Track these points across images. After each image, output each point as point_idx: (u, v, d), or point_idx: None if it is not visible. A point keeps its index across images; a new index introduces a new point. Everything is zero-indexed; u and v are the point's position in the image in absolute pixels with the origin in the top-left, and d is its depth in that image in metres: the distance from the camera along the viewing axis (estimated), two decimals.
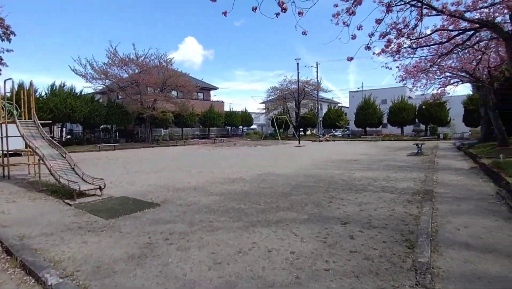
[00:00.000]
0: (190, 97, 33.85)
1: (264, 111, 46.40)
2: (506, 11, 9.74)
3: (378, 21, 7.31)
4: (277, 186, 7.23)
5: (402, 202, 5.52)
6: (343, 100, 61.49)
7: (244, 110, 44.41)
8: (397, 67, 13.90)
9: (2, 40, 14.51)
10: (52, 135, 25.87)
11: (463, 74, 16.37)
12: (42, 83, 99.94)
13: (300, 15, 5.45)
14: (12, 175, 9.54)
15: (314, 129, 44.27)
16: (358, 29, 6.60)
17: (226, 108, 43.14)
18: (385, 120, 36.71)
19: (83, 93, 26.70)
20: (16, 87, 10.33)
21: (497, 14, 9.91)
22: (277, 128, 36.29)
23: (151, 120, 28.72)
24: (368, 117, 36.30)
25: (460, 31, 10.75)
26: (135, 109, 27.53)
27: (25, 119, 9.39)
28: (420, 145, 15.03)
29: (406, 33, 9.03)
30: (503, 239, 3.67)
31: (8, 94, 12.24)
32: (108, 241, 3.83)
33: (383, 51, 9.58)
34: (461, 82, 17.87)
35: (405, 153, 15.95)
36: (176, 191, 6.99)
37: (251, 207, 5.35)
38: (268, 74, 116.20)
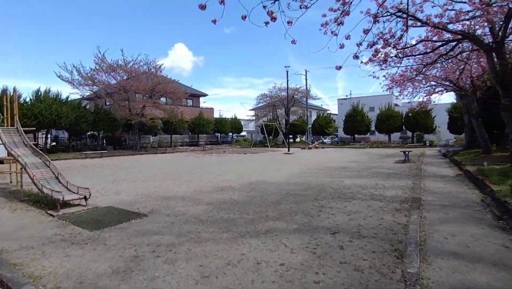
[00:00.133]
0: (180, 104, 33.65)
1: (253, 118, 46.51)
2: (486, 24, 10.10)
3: (366, 31, 7.44)
4: (267, 195, 7.19)
5: (391, 210, 5.55)
6: (332, 108, 62.36)
7: (233, 117, 44.37)
8: (384, 76, 14.18)
9: None
10: (36, 142, 25.21)
11: (447, 83, 16.84)
12: (27, 88, 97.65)
13: (289, 24, 5.49)
14: None
15: (304, 137, 44.56)
16: (346, 39, 6.68)
17: (216, 115, 43.04)
18: (373, 128, 37.30)
19: (69, 99, 26.18)
20: None
21: (478, 27, 10.27)
22: (266, 136, 36.35)
23: (140, 127, 28.34)
24: (356, 125, 36.81)
25: (443, 42, 11.08)
26: (123, 116, 27.13)
27: (7, 126, 9.10)
28: (407, 152, 15.28)
29: (393, 43, 9.23)
30: (489, 247, 3.72)
31: None
32: (92, 254, 3.70)
33: (370, 60, 9.75)
34: (445, 91, 18.37)
35: (393, 160, 16.18)
36: (164, 200, 6.87)
37: (240, 216, 5.29)
38: (257, 81, 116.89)
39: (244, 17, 5.10)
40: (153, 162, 18.12)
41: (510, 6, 9.03)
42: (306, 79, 48.40)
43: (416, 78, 14.88)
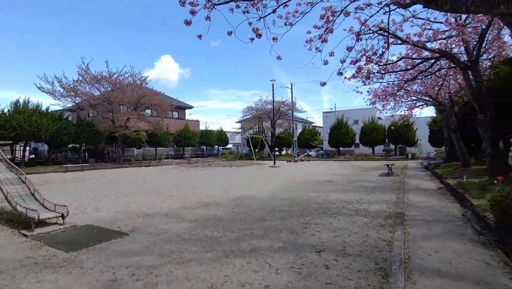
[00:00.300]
0: (165, 116, 33.32)
1: (239, 130, 46.56)
2: (461, 43, 10.60)
3: (349, 49, 7.65)
4: (252, 211, 7.09)
5: (375, 226, 5.57)
6: (317, 120, 63.14)
7: (219, 130, 44.24)
8: (368, 91, 14.59)
9: None
10: (13, 156, 24.26)
11: (427, 98, 17.47)
12: (6, 98, 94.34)
13: (275, 40, 5.57)
14: None
15: (290, 149, 44.84)
16: (330, 56, 6.82)
17: (202, 127, 42.84)
18: (357, 140, 37.97)
19: (50, 110, 25.45)
20: None
21: (454, 45, 10.77)
22: (252, 148, 36.35)
23: (123, 140, 27.76)
24: (341, 138, 37.38)
25: (422, 59, 11.53)
26: (106, 128, 26.54)
27: None
28: (390, 166, 15.56)
29: (375, 60, 9.52)
30: (471, 264, 3.76)
31: None
32: (67, 279, 3.50)
33: (354, 76, 10.02)
34: (425, 105, 19.04)
35: (377, 173, 16.43)
36: (146, 217, 6.66)
37: (224, 234, 5.17)
38: (244, 94, 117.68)
39: (230, 33, 5.14)
40: (137, 175, 17.70)
41: (483, 27, 9.53)
42: (291, 92, 49.34)
43: (398, 93, 15.37)
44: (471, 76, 10.83)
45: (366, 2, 6.43)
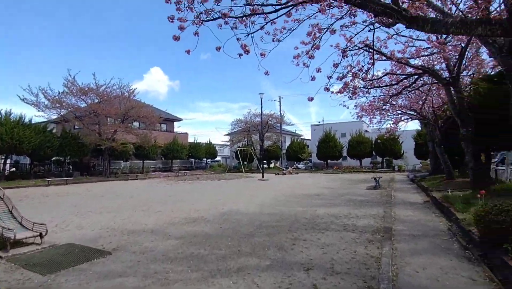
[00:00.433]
0: (153, 128, 33.00)
1: (228, 143, 46.40)
2: (443, 60, 10.99)
3: (336, 65, 7.79)
4: (240, 226, 6.99)
5: (363, 241, 5.56)
6: (305, 133, 63.66)
7: (208, 142, 44.05)
8: (355, 105, 14.85)
9: None
10: None
11: (412, 112, 17.90)
12: None
13: (262, 56, 5.62)
14: None
15: (278, 162, 44.88)
16: (317, 71, 6.93)
17: (191, 140, 42.54)
18: (345, 153, 38.37)
19: (33, 122, 24.81)
20: None
21: (436, 62, 11.15)
22: (241, 161, 36.20)
23: (110, 152, 27.22)
24: (329, 150, 37.73)
25: (406, 75, 11.88)
26: (92, 141, 26.00)
27: None
28: (378, 179, 15.72)
29: (361, 76, 9.73)
30: (458, 281, 3.76)
31: None
32: None
33: (340, 92, 10.18)
34: (410, 119, 19.49)
35: (365, 186, 16.56)
36: (131, 234, 6.47)
37: (211, 252, 5.05)
38: (233, 106, 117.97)
39: (218, 48, 5.17)
40: (123, 189, 17.30)
41: (463, 45, 9.93)
42: (280, 105, 49.61)
43: (383, 107, 15.70)
44: (453, 92, 11.19)
45: (351, 20, 6.62)
